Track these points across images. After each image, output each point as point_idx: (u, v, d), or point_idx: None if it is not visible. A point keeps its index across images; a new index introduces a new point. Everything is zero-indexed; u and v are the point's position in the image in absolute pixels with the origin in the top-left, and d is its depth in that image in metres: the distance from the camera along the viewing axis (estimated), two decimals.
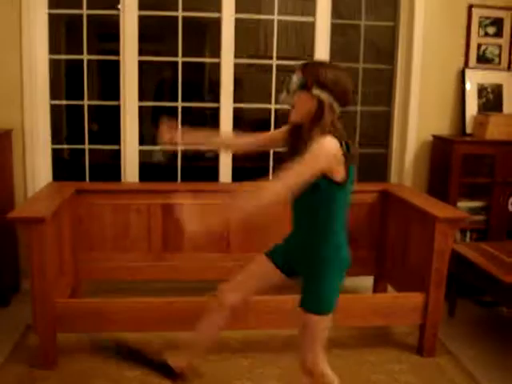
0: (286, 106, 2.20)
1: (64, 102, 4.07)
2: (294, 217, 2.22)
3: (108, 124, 4.03)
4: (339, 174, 2.00)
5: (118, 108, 3.91)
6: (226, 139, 2.64)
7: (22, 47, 3.69)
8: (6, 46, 3.69)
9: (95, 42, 3.87)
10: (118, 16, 3.80)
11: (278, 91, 4.02)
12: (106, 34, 4.41)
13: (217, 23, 3.94)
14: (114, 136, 4.01)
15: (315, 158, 1.94)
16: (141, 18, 3.80)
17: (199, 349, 2.52)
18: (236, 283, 2.39)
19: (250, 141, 2.42)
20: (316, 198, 2.06)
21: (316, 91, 1.99)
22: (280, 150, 2.36)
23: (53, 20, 3.84)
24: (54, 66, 4.02)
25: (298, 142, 2.11)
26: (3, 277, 3.70)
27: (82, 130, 3.97)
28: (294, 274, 2.29)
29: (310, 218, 2.15)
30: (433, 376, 3.07)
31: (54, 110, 3.99)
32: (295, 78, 2.03)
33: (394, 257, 3.72)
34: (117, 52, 3.85)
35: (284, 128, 2.28)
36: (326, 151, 1.94)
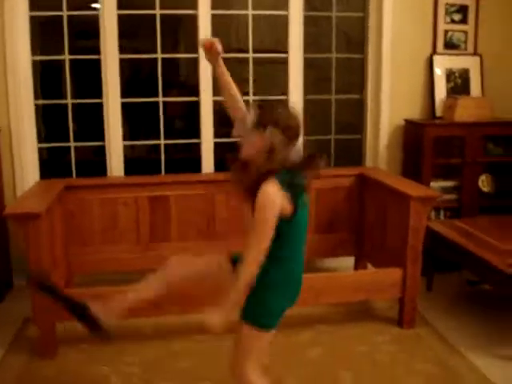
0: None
1: (48, 102, 4.17)
2: None
3: (85, 122, 4.14)
4: (286, 211, 2.02)
5: (94, 106, 4.03)
6: (233, 88, 2.40)
7: (5, 50, 3.79)
8: None
9: (71, 41, 3.96)
10: (93, 15, 3.92)
11: (254, 81, 4.19)
12: (81, 31, 4.53)
13: (191, 19, 4.06)
14: (94, 133, 4.14)
15: (266, 214, 1.98)
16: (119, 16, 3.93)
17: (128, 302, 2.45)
18: (188, 259, 2.42)
19: (238, 104, 2.36)
20: None
21: (269, 131, 2.04)
22: None
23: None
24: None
25: (244, 175, 2.15)
26: None
27: (61, 129, 4.08)
28: None
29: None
30: (413, 345, 3.26)
31: None
32: (251, 117, 2.09)
33: (372, 237, 3.91)
34: (93, 50, 3.98)
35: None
36: (271, 201, 1.98)
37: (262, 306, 2.13)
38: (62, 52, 3.99)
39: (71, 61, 4.00)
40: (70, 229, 3.71)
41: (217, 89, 4.08)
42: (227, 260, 2.35)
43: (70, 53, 3.98)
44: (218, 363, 2.85)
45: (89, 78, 4.14)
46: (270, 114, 2.08)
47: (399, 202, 3.42)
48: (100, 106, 4.05)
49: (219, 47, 2.24)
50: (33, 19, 3.91)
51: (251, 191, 2.06)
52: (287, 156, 2.07)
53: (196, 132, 4.20)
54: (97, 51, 3.97)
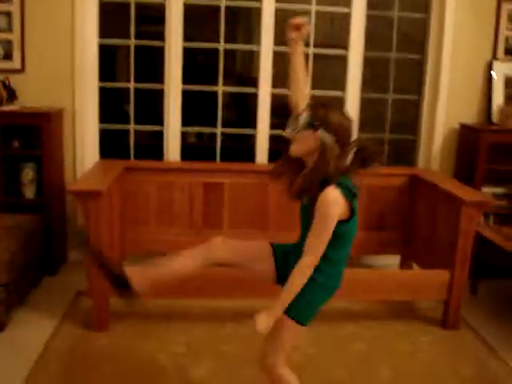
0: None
1: (112, 85, 4.29)
2: (301, 226, 2.26)
3: (140, 106, 4.26)
4: (345, 215, 2.07)
5: (148, 91, 4.16)
6: (303, 72, 2.42)
7: (74, 33, 3.93)
8: (59, 30, 3.94)
9: (132, 26, 4.09)
10: (160, 3, 4.03)
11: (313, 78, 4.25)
12: (146, 16, 4.64)
13: (250, 12, 4.12)
14: (150, 117, 4.26)
15: (328, 218, 2.02)
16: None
17: (160, 277, 2.37)
18: (231, 244, 2.36)
19: (303, 91, 2.39)
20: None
21: (321, 132, 2.07)
22: None
23: None
24: None
25: (295, 176, 2.19)
26: (52, 248, 3.96)
27: (117, 112, 4.19)
28: (282, 281, 2.23)
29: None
30: (455, 347, 3.30)
31: None
32: (304, 116, 2.12)
33: (421, 237, 3.94)
34: (156, 35, 4.09)
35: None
36: (333, 206, 2.02)
37: (310, 305, 2.18)
38: (122, 36, 4.12)
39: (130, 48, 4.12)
40: (127, 209, 3.84)
41: (275, 81, 4.22)
42: (269, 248, 2.36)
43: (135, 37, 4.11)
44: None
45: (149, 63, 4.26)
46: (323, 115, 2.09)
47: (451, 205, 3.44)
48: (156, 92, 4.17)
49: (308, 28, 2.31)
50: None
51: (305, 193, 2.12)
52: (340, 159, 2.09)
53: (247, 122, 4.28)
54: (160, 37, 4.09)
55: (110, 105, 4.55)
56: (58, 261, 4.09)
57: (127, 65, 4.22)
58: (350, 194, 2.06)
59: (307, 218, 2.12)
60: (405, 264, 4.20)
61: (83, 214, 3.12)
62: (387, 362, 3.07)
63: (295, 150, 2.16)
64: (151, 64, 4.23)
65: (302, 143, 2.12)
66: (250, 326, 2.04)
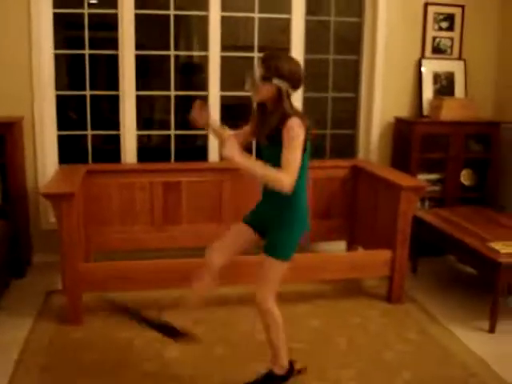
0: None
1: (68, 93, 4.49)
2: (264, 185, 2.64)
3: (84, 112, 4.47)
4: (303, 144, 2.45)
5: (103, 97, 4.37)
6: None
7: (30, 42, 4.10)
8: (16, 41, 4.10)
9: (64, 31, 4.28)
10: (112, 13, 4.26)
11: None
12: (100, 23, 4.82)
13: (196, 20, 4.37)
14: (96, 123, 4.51)
15: (296, 139, 2.40)
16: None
17: (193, 305, 2.83)
18: (220, 245, 2.76)
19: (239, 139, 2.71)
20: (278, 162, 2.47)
21: (275, 81, 2.44)
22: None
23: None
24: None
25: (264, 116, 2.55)
26: (18, 252, 4.12)
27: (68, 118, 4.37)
28: (265, 233, 2.69)
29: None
30: (401, 318, 3.67)
31: None
32: (258, 71, 2.48)
33: (364, 223, 4.31)
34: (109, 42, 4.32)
35: (249, 125, 2.76)
36: (298, 129, 2.40)
37: (288, 240, 2.58)
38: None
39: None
40: (91, 210, 4.05)
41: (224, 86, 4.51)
42: (244, 225, 2.77)
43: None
44: (229, 330, 3.36)
45: (102, 71, 4.47)
46: (274, 66, 2.44)
47: (391, 191, 3.81)
48: (112, 98, 4.40)
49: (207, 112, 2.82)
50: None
51: (272, 131, 2.48)
52: (291, 104, 2.50)
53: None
54: (108, 42, 4.33)
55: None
56: (25, 263, 4.25)
57: (67, 72, 4.41)
58: (304, 125, 2.45)
59: (272, 156, 2.48)
60: (350, 248, 4.56)
61: (56, 215, 3.32)
62: (341, 334, 3.42)
63: (257, 97, 2.53)
64: (105, 71, 4.43)
65: (261, 93, 2.48)
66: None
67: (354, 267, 3.79)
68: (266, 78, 2.45)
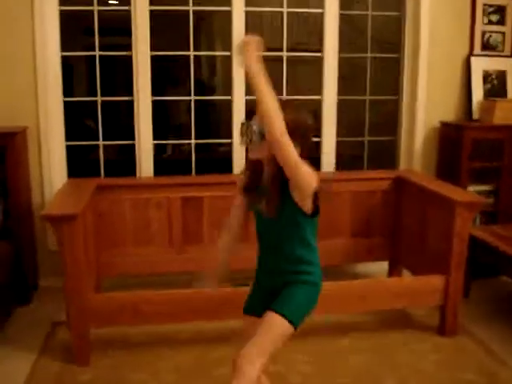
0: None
1: (77, 99, 4.08)
2: (264, 247, 2.21)
3: (106, 120, 4.03)
4: (308, 207, 1.99)
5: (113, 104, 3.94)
6: (233, 241, 2.43)
7: (35, 45, 3.69)
8: (19, 44, 3.70)
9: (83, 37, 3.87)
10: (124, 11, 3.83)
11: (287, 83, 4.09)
12: (109, 28, 4.42)
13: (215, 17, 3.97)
14: (115, 132, 4.06)
15: (307, 172, 1.92)
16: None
17: None
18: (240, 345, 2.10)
19: (238, 229, 2.37)
20: (290, 227, 2.06)
21: None
22: None
23: None
24: None
25: (258, 175, 2.10)
26: (23, 276, 3.71)
27: (81, 127, 3.98)
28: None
29: (286, 246, 2.09)
30: (456, 354, 3.17)
31: None
32: (255, 127, 1.95)
33: (409, 242, 3.81)
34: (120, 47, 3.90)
35: (238, 195, 2.23)
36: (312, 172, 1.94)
37: (304, 300, 2.08)
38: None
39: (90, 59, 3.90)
40: (101, 230, 3.62)
41: (249, 88, 4.05)
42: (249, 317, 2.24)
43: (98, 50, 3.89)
44: None
45: (114, 75, 4.05)
46: None
47: (442, 207, 3.32)
48: (124, 105, 3.97)
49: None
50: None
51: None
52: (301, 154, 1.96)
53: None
54: (124, 49, 3.89)
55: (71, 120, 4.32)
56: (31, 288, 3.84)
57: (87, 78, 4.00)
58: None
59: (274, 232, 2.08)
60: (393, 270, 4.06)
61: (57, 239, 2.90)
62: (390, 374, 2.93)
63: (255, 155, 2.05)
64: (117, 76, 4.00)
65: (259, 152, 2.01)
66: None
67: (401, 296, 3.29)
68: (263, 136, 1.92)
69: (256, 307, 2.19)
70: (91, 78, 3.97)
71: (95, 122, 4.09)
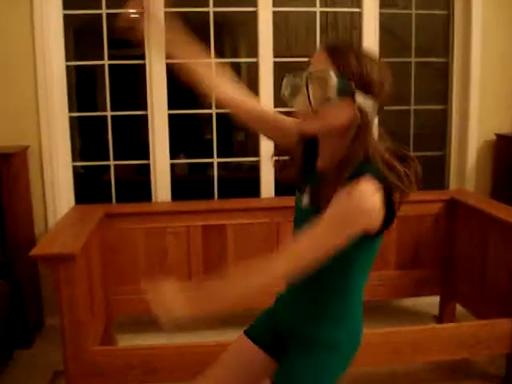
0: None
1: (84, 114, 3.64)
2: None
3: (125, 137, 3.56)
4: (374, 227, 1.36)
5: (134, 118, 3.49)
6: (229, 89, 1.69)
7: (35, 52, 3.26)
8: (18, 51, 3.27)
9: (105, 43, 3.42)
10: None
11: None
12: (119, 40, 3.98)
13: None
14: (134, 149, 3.57)
15: (347, 221, 1.31)
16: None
17: None
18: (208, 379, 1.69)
19: (256, 110, 1.67)
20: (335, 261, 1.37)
21: (360, 98, 1.34)
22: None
23: None
24: None
25: (309, 165, 1.49)
26: (27, 316, 3.27)
27: (97, 144, 3.55)
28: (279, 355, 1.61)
29: (317, 281, 1.47)
30: None
31: None
32: (333, 77, 1.31)
33: (465, 275, 3.29)
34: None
35: (295, 123, 1.54)
36: (364, 209, 1.30)
37: (318, 375, 1.48)
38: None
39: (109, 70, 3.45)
40: (110, 264, 3.16)
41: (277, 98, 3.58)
42: (247, 344, 1.70)
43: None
44: None
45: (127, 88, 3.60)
46: (359, 69, 1.33)
47: (507, 235, 2.81)
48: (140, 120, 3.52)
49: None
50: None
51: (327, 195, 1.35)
52: (377, 144, 1.39)
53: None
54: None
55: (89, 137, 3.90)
56: (33, 329, 3.39)
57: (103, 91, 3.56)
58: (389, 193, 1.34)
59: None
60: (445, 306, 3.53)
61: (53, 282, 2.45)
62: None
63: (316, 126, 1.39)
64: (129, 89, 3.55)
65: (331, 118, 1.36)
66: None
67: (461, 344, 2.75)
68: (344, 92, 1.33)
69: (261, 335, 1.67)
70: (113, 90, 3.51)
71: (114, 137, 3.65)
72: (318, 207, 1.37)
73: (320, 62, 1.35)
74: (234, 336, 1.77)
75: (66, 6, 3.36)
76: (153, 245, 3.21)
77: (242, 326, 1.78)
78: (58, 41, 3.35)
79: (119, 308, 3.25)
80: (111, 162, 3.55)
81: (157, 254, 3.22)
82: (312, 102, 1.34)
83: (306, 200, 1.48)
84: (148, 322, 3.13)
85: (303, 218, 1.46)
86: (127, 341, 3.31)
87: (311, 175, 1.48)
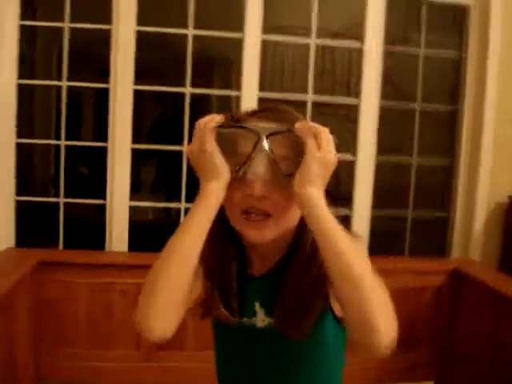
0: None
1: (35, 141, 3.14)
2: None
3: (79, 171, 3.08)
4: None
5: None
6: None
7: None
8: None
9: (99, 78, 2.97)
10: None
11: None
12: None
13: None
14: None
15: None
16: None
17: None
18: None
19: None
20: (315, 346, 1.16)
21: None
22: None
23: None
24: None
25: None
26: None
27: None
28: None
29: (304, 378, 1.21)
30: None
31: None
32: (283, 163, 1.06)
33: (468, 359, 2.76)
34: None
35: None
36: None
37: None
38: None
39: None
40: (44, 323, 2.62)
41: None
42: None
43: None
44: None
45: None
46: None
47: None
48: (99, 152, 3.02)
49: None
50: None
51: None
52: None
53: None
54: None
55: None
56: None
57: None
58: None
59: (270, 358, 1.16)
60: None
61: None
62: None
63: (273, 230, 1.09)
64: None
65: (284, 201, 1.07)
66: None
67: None
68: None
69: None
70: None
71: (89, 168, 3.15)
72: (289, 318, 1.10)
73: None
74: None
75: (24, 17, 2.90)
76: (96, 303, 2.68)
77: None
78: (10, 55, 2.87)
79: (52, 375, 2.70)
80: (61, 200, 3.03)
81: (100, 315, 2.68)
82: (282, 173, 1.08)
83: (262, 317, 1.16)
84: None
85: (259, 341, 1.18)
86: None
87: (251, 291, 1.17)
